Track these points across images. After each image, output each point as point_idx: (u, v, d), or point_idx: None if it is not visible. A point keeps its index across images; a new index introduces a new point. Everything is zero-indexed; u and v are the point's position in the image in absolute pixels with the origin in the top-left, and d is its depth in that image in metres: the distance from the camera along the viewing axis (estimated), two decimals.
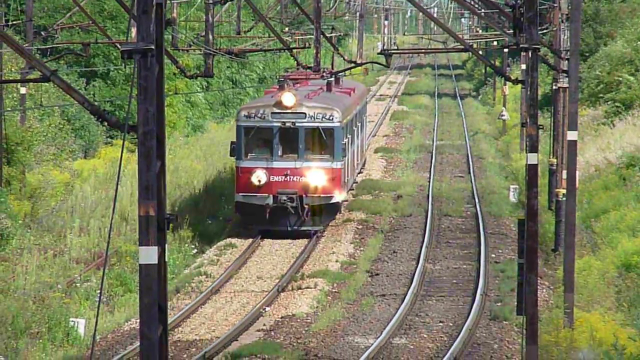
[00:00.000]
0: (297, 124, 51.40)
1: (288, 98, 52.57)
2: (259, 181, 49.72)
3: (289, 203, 51.30)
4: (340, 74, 73.78)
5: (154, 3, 19.22)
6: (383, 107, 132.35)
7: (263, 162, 49.91)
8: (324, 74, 64.63)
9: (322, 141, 52.44)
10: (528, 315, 35.12)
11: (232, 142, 52.98)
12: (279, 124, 50.51)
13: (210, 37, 50.01)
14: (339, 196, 55.52)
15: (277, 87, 63.24)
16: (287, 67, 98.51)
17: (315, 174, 50.37)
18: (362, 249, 62.06)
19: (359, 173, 77.70)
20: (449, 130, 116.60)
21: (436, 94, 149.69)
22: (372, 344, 42.70)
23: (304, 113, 52.12)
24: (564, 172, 47.77)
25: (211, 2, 51.15)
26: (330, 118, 52.50)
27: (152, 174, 18.38)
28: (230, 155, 53.64)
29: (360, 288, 53.61)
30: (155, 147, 18.74)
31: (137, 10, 18.85)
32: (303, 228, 55.63)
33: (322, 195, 52.16)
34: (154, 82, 19.07)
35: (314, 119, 51.42)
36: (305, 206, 52.05)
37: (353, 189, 72.61)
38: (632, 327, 38.57)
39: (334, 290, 53.21)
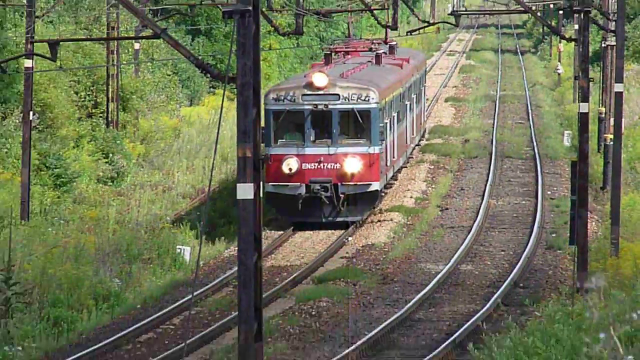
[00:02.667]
0: (330, 107, 43.43)
1: (319, 78, 44.85)
2: (290, 169, 42.75)
3: (322, 192, 43.82)
4: (395, 43, 68.31)
5: None
6: (453, 62, 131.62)
7: (294, 148, 42.73)
8: (373, 45, 61.35)
9: (358, 124, 44.87)
10: (579, 245, 35.68)
11: (262, 129, 44.18)
12: (311, 107, 42.79)
13: None
14: (377, 184, 48.02)
15: (324, 60, 57.15)
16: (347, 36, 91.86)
17: (351, 160, 43.26)
18: (433, 186, 62.48)
19: (417, 146, 69.99)
20: (511, 82, 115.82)
21: (499, 50, 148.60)
22: (442, 270, 43.00)
23: (338, 94, 44.15)
24: (612, 120, 47.76)
25: None
26: (367, 99, 44.80)
27: (249, 120, 18.63)
28: (263, 145, 45.28)
29: (431, 221, 53.91)
30: (252, 97, 19.00)
31: None
32: (339, 219, 47.28)
33: (358, 183, 44.83)
34: (251, 39, 19.31)
35: (349, 100, 43.94)
36: (341, 195, 44.75)
37: (407, 165, 64.80)
38: None
39: (408, 222, 53.21)
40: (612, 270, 35.98)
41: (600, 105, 59.94)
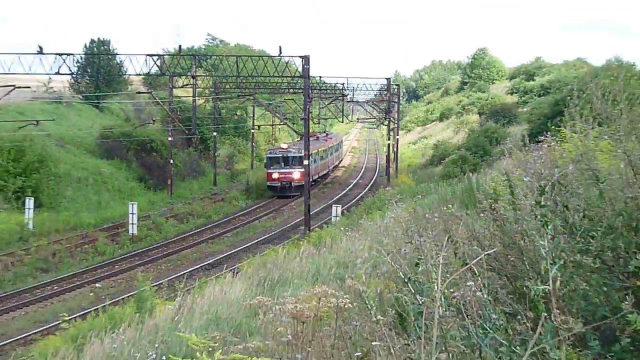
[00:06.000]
0: (288, 155, 33.21)
1: (285, 145, 35.69)
2: (275, 177, 32.60)
3: (287, 185, 33.09)
4: (330, 131, 55.61)
5: (307, 109, 19.89)
6: (358, 131, 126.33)
7: (277, 169, 32.58)
8: (316, 133, 49.20)
9: (298, 160, 32.56)
10: (388, 175, 36.28)
11: (265, 163, 35.07)
12: (282, 155, 32.96)
13: (318, 113, 48.60)
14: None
15: (298, 139, 44.45)
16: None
17: (296, 173, 32.31)
18: (351, 161, 60.76)
19: (335, 167, 50.49)
20: (370, 137, 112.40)
21: (369, 128, 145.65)
22: (354, 182, 41.53)
23: (291, 150, 33.68)
24: (396, 146, 46.98)
25: (323, 106, 46.63)
26: (300, 152, 32.65)
27: (306, 146, 18.93)
28: (265, 167, 34.77)
29: (351, 169, 52.12)
30: (308, 138, 19.43)
31: (305, 108, 19.39)
32: (292, 194, 32.96)
33: (299, 179, 32.47)
34: (307, 124, 19.85)
35: (294, 152, 33.01)
36: (293, 186, 33.32)
37: (329, 174, 47.66)
38: (411, 180, 36.10)
39: (346, 170, 51.59)
40: (395, 182, 35.27)
41: (392, 141, 58.57)
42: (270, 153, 33.43)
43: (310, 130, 25.22)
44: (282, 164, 31.89)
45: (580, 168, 2.87)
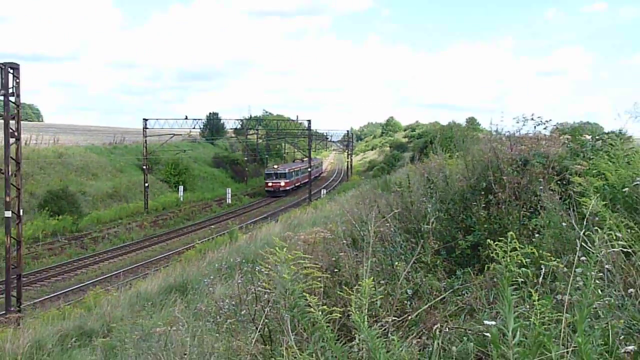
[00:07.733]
0: (278, 172, 26.80)
1: (276, 165, 29.23)
2: (270, 185, 26.64)
3: (277, 190, 26.36)
4: (315, 156, 42.36)
5: (310, 144, 18.22)
6: (333, 155, 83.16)
7: (271, 180, 26.73)
8: (302, 159, 35.42)
9: (283, 175, 26.63)
10: (347, 176, 28.54)
11: (264, 176, 28.27)
12: (274, 172, 26.97)
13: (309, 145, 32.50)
14: (289, 188, 27.06)
15: (293, 161, 35.46)
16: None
17: (282, 183, 26.21)
18: (329, 169, 50.53)
19: (316, 178, 35.27)
20: (341, 158, 76.04)
21: (338, 154, 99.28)
22: (331, 178, 36.65)
23: (280, 169, 27.40)
24: (351, 162, 35.36)
25: (317, 143, 37.74)
26: (284, 170, 27.40)
27: (309, 160, 17.55)
28: (264, 179, 27.94)
29: (329, 173, 43.37)
30: (310, 156, 17.88)
31: (309, 144, 18.06)
32: (279, 195, 25.93)
33: (284, 186, 26.53)
34: (310, 152, 18.30)
35: (281, 170, 27.03)
36: (281, 190, 26.45)
37: (312, 182, 29.63)
38: (358, 177, 27.35)
39: (326, 172, 43.28)
40: (350, 179, 29.62)
41: (349, 160, 39.29)
42: (267, 171, 28.75)
43: (312, 155, 23.45)
44: (274, 177, 27.58)
45: (441, 171, 3.53)
